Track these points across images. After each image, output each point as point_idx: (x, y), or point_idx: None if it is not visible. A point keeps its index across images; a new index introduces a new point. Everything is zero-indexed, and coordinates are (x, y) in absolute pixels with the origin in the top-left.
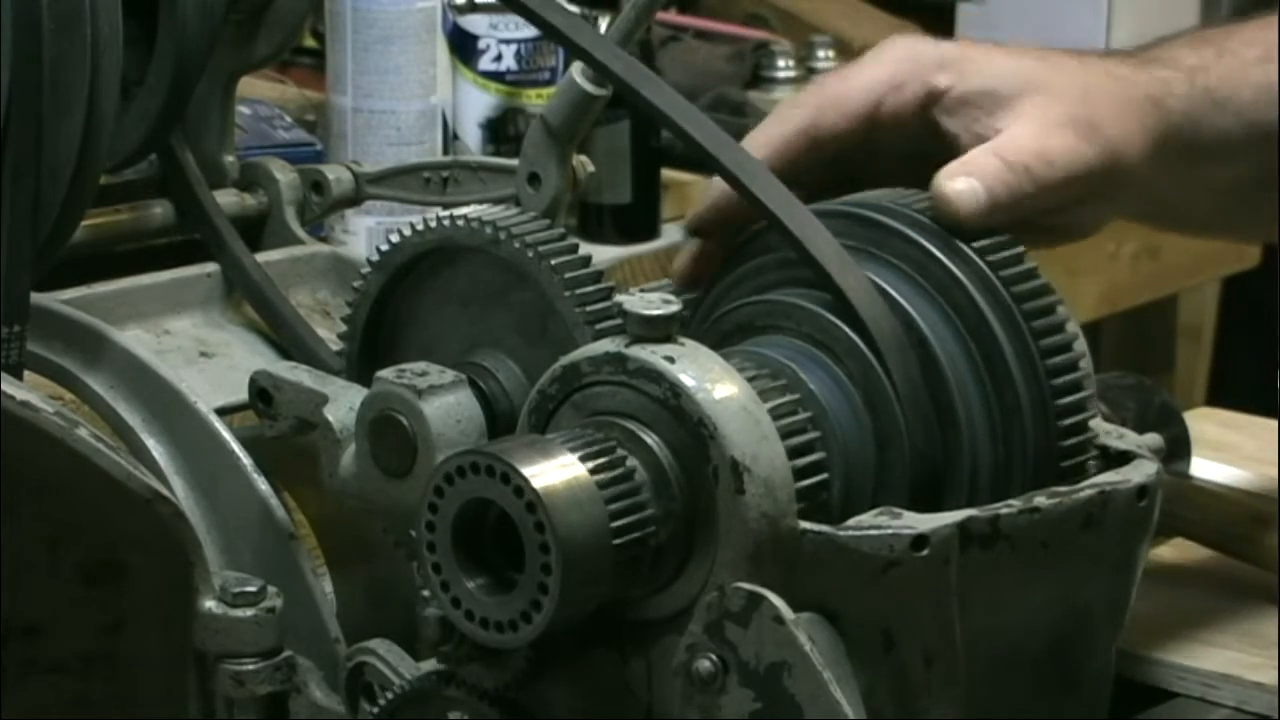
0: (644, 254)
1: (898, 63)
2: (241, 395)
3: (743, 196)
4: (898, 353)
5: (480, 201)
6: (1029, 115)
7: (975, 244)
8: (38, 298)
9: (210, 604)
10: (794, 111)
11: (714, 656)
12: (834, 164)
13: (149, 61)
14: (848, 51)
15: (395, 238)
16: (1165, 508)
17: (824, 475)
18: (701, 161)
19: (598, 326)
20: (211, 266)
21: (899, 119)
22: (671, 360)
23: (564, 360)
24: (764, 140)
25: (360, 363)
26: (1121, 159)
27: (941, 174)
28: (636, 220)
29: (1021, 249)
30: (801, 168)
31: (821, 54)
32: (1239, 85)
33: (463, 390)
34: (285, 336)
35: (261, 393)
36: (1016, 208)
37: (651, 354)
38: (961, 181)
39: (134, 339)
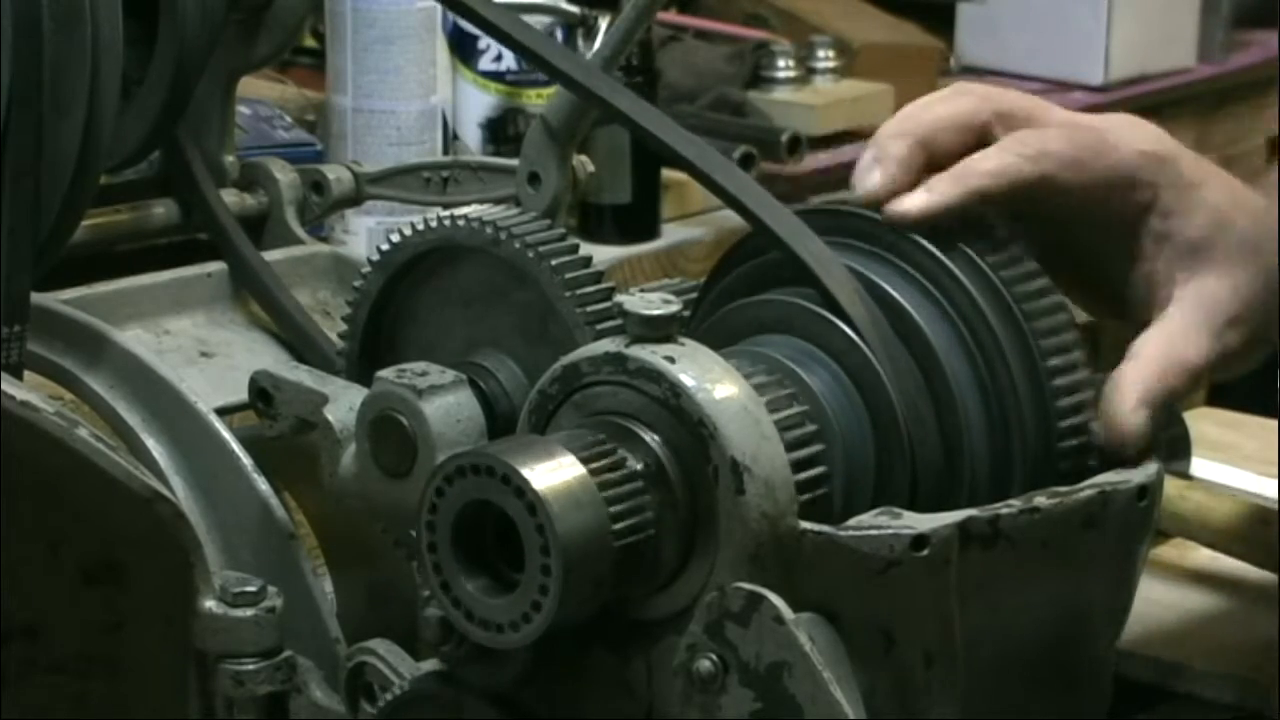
0: (644, 254)
1: (1143, 161)
2: (241, 395)
3: (721, 199)
4: (881, 346)
5: (480, 201)
6: (1196, 309)
7: (977, 245)
8: (38, 298)
9: (210, 604)
10: (1037, 157)
11: (714, 656)
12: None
13: (149, 61)
14: (847, 52)
15: (395, 238)
16: (1165, 508)
17: (824, 475)
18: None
19: (598, 326)
20: (212, 266)
21: (1112, 205)
22: (671, 360)
23: (564, 360)
24: (995, 166)
25: (360, 362)
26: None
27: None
28: (636, 220)
29: (1024, 251)
30: (1005, 202)
31: (821, 54)
32: None
33: (463, 390)
34: (292, 334)
35: (261, 393)
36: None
37: (651, 354)
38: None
39: (134, 339)
